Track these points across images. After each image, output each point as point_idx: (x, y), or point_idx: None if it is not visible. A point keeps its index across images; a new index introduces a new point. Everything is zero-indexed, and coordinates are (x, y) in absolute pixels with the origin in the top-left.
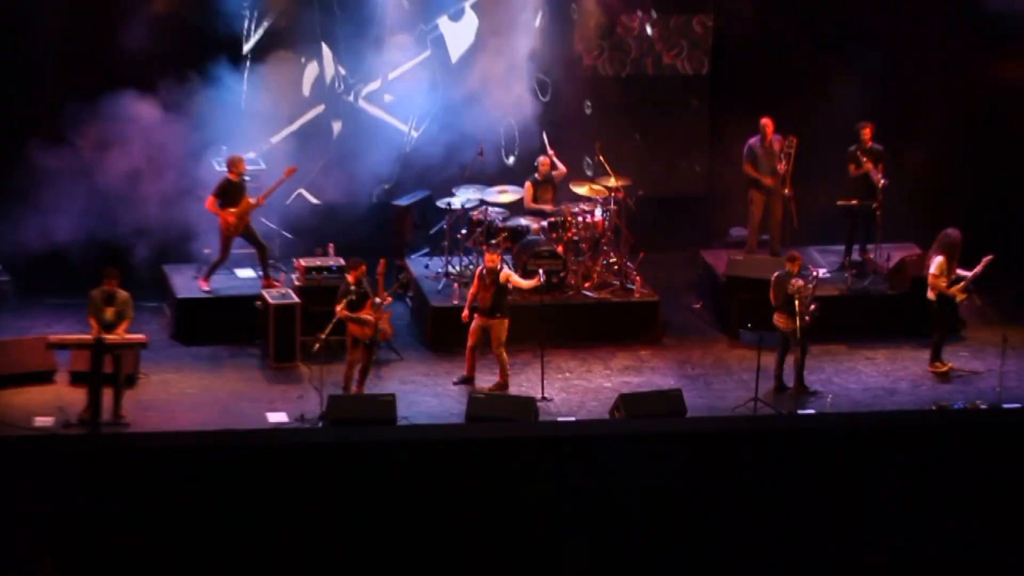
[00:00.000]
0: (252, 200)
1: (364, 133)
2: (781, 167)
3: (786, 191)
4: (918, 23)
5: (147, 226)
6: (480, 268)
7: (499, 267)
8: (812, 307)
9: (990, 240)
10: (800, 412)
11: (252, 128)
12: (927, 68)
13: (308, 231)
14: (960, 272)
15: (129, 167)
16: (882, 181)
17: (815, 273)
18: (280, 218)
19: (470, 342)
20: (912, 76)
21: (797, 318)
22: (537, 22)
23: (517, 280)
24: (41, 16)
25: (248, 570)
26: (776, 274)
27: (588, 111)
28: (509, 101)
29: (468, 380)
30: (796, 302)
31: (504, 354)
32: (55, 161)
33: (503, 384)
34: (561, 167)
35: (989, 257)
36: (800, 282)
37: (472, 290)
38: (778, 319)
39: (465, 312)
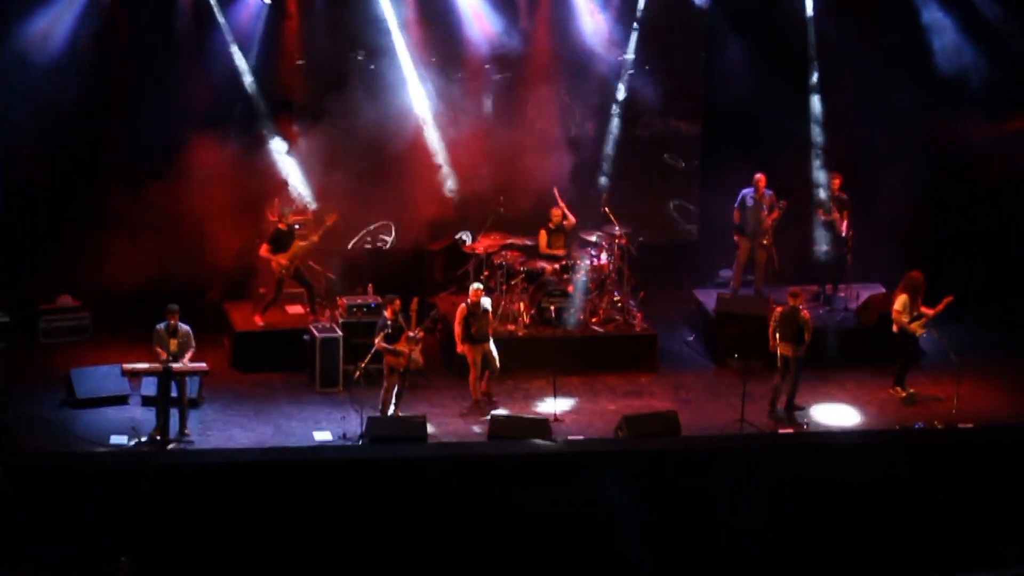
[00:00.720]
0: (300, 245)
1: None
2: (767, 220)
3: (765, 241)
4: (891, 89)
5: (212, 268)
6: (464, 305)
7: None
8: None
9: (950, 282)
10: (780, 431)
11: (309, 180)
12: (897, 128)
13: (350, 273)
14: (923, 310)
15: (197, 216)
16: (849, 231)
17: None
18: (326, 261)
19: (476, 372)
20: (884, 135)
21: (803, 344)
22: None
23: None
24: (114, 79)
25: (297, 567)
26: (781, 309)
27: (668, 160)
28: (540, 156)
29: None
30: (804, 331)
31: None
32: (132, 211)
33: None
34: (571, 218)
35: (949, 298)
36: (808, 314)
37: (460, 326)
38: (784, 348)
39: (461, 346)
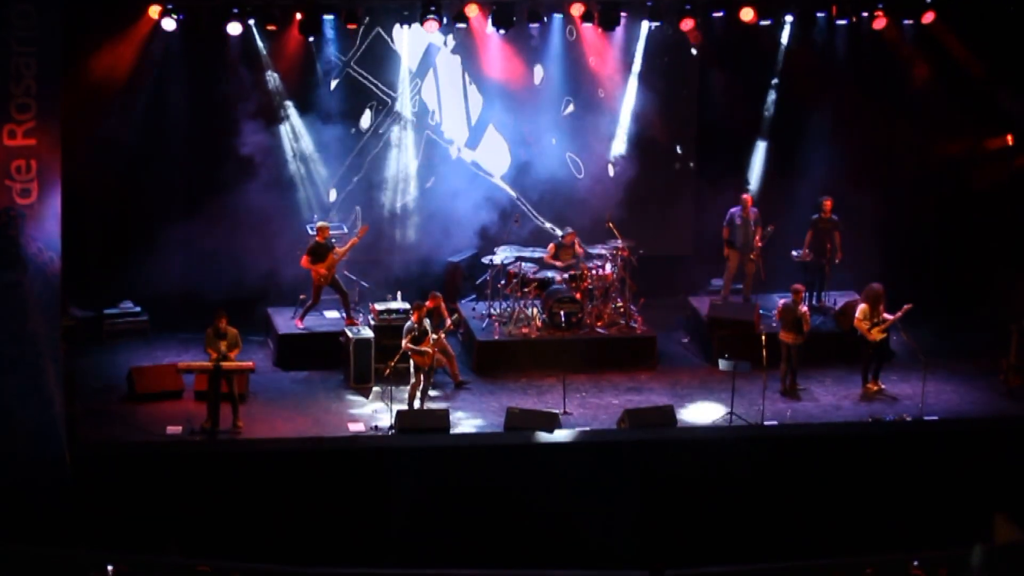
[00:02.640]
0: (336, 256)
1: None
2: (756, 239)
3: (753, 256)
4: (865, 112)
5: (260, 276)
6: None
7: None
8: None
9: (919, 291)
10: (766, 423)
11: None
12: (872, 150)
13: (381, 281)
14: (884, 316)
15: (246, 228)
16: (839, 255)
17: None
18: (359, 270)
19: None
20: (858, 157)
21: (801, 335)
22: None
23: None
24: (171, 103)
25: (334, 542)
26: (783, 303)
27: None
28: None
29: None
30: (803, 323)
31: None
32: (186, 224)
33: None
34: (579, 247)
35: (908, 306)
36: (804, 308)
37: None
38: (785, 336)
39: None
